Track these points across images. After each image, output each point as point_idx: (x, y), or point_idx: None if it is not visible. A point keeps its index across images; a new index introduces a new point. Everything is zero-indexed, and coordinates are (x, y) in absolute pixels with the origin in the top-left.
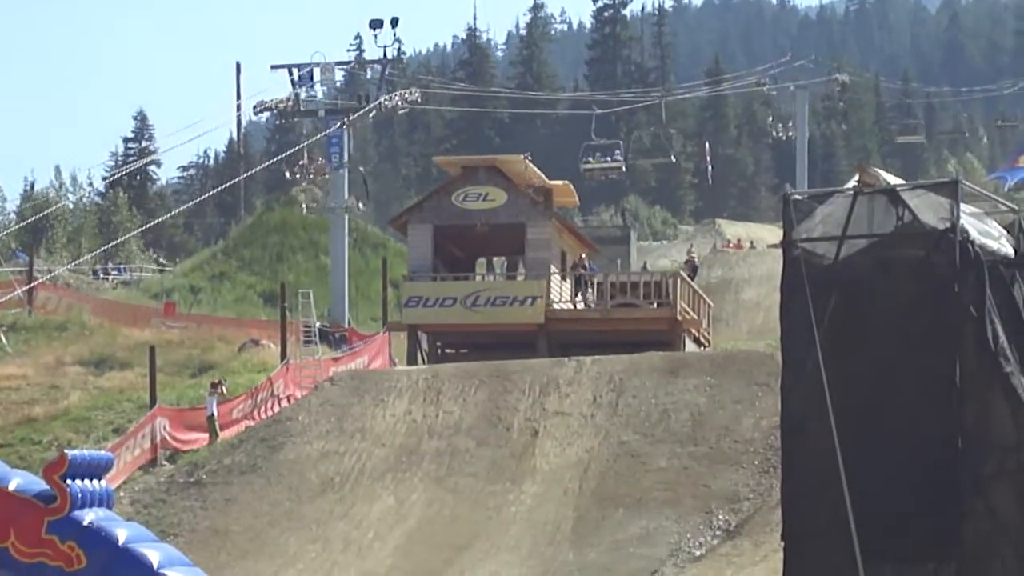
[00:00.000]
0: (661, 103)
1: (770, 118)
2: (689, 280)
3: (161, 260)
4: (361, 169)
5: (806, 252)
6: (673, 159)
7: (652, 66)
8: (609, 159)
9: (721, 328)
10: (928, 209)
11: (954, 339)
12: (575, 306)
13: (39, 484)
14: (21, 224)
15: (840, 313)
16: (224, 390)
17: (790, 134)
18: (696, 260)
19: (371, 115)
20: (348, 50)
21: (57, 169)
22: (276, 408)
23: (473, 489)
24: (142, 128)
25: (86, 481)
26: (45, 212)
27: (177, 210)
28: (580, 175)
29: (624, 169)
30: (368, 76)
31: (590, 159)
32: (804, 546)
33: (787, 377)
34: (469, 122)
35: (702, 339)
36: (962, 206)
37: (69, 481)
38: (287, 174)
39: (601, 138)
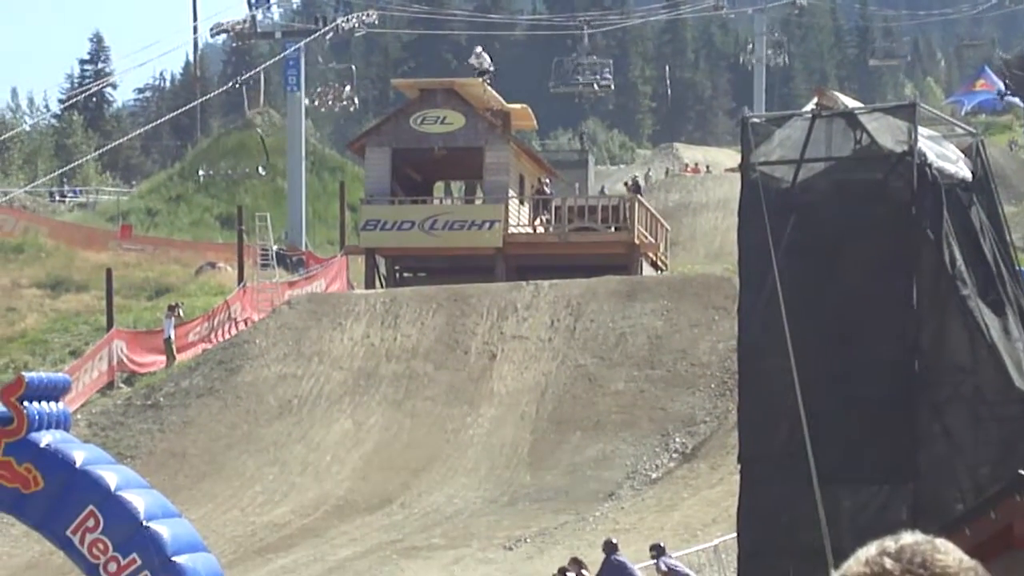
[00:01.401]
0: (584, 33)
1: (750, 45)
2: (642, 200)
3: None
4: (259, 130)
5: (764, 175)
6: (596, 88)
7: None
8: (598, 76)
9: (678, 252)
10: (886, 132)
11: (912, 262)
12: (533, 230)
13: None
14: None
15: (798, 236)
16: (181, 313)
17: (772, 61)
18: (640, 182)
19: (328, 37)
20: None
21: (14, 91)
22: (233, 331)
23: (431, 413)
24: (98, 50)
25: (43, 403)
26: (3, 136)
27: (133, 133)
28: (547, 96)
29: (612, 87)
30: None
31: (578, 76)
32: (760, 469)
33: (745, 300)
34: (427, 45)
35: (659, 263)
36: (920, 129)
37: (26, 403)
38: (314, 102)
39: (589, 56)
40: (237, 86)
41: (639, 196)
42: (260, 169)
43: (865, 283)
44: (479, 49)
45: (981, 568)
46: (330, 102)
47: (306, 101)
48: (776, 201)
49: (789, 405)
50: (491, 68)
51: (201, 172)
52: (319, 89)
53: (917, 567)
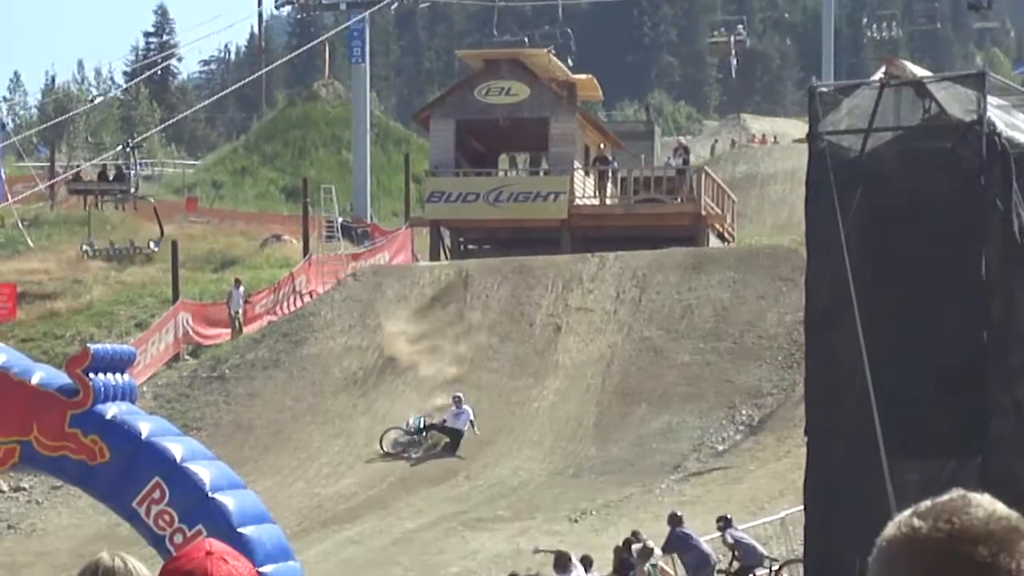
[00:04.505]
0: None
1: (864, 19)
2: (709, 171)
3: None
4: (151, 199)
5: (832, 145)
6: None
7: None
8: (734, 35)
9: (745, 224)
10: (954, 101)
11: (980, 232)
12: (600, 201)
13: (62, 378)
14: (45, 125)
15: (866, 206)
16: (243, 289)
17: (883, 33)
18: (685, 144)
19: (393, 8)
20: None
21: (80, 63)
22: (298, 303)
23: (496, 385)
24: (163, 23)
25: (109, 375)
26: (73, 113)
27: (198, 106)
28: (614, 67)
29: (747, 44)
30: None
31: (715, 33)
32: (828, 441)
33: (812, 271)
34: (492, 15)
35: (726, 234)
36: (989, 98)
37: (92, 375)
38: None
39: (722, 14)
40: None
41: (706, 169)
42: (151, 244)
43: (933, 253)
44: None
45: (1019, 519)
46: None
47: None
48: (844, 171)
49: (857, 377)
50: None
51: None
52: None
53: (944, 522)
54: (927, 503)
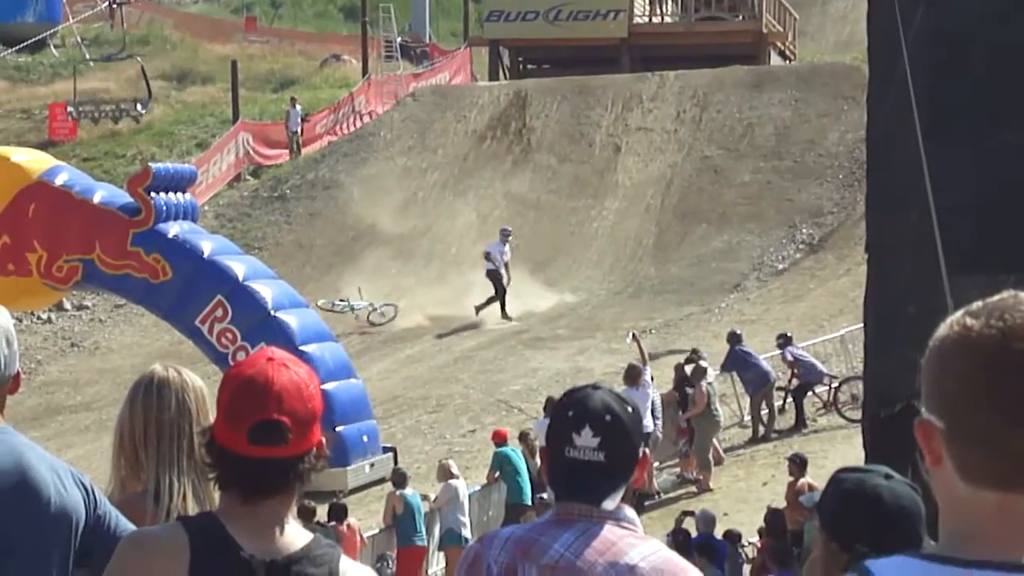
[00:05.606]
0: None
1: None
2: None
3: None
4: (139, 59)
5: None
6: None
7: None
8: None
9: (807, 41)
10: None
11: None
12: (660, 19)
13: (123, 197)
14: None
15: (929, 22)
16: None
17: None
18: None
19: None
20: None
21: None
22: (358, 123)
23: (555, 205)
24: None
25: (170, 194)
26: None
27: None
28: None
29: None
30: None
31: None
32: (888, 258)
33: (874, 89)
34: None
35: (787, 52)
36: None
37: (153, 194)
38: None
39: None
40: None
41: None
42: (138, 106)
43: (998, 67)
44: None
45: None
46: None
47: None
48: None
49: (919, 194)
50: None
51: None
52: None
53: (996, 319)
54: (979, 303)
